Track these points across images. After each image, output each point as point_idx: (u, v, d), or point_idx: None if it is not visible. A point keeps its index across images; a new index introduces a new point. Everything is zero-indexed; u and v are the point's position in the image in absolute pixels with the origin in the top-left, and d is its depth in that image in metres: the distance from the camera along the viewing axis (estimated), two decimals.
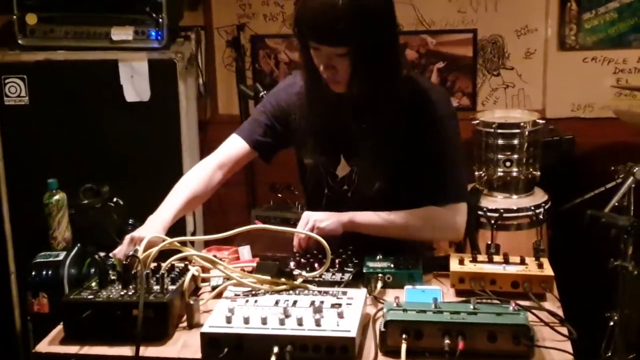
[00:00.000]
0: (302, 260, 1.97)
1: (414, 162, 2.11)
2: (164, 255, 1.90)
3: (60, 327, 1.74)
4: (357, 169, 2.18)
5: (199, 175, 2.20)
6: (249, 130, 2.26)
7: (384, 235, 2.09)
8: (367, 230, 2.09)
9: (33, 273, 2.69)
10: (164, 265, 1.84)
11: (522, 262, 1.91)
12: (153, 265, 1.85)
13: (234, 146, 2.25)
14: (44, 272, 2.68)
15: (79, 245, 2.84)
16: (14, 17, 3.34)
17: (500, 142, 3.41)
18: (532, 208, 3.35)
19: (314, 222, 2.06)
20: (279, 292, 1.80)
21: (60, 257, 2.72)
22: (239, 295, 1.78)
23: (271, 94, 2.33)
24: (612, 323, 2.86)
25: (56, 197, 2.83)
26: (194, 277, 1.87)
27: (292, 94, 2.22)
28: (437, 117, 2.10)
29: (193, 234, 3.52)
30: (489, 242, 3.19)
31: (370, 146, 2.11)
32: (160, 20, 3.35)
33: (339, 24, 1.88)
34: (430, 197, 2.11)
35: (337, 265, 1.95)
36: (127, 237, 1.97)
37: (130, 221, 2.88)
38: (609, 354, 2.89)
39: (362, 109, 2.07)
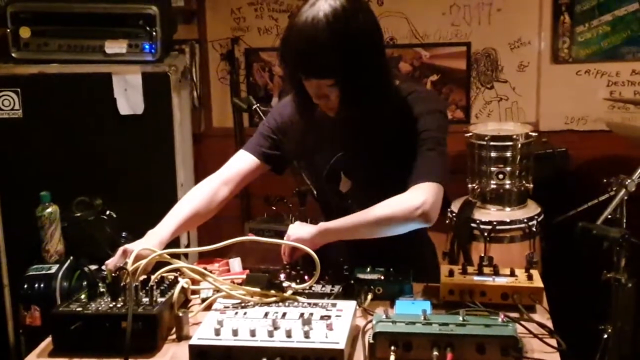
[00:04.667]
0: (292, 272, 1.97)
1: (403, 163, 2.08)
2: (158, 268, 1.90)
3: (49, 339, 1.74)
4: (357, 183, 2.18)
5: (202, 192, 2.19)
6: (255, 144, 2.25)
7: (361, 236, 2.04)
8: (341, 235, 2.05)
9: (25, 286, 2.69)
10: (153, 277, 1.84)
11: (512, 274, 1.91)
12: (143, 277, 1.85)
13: (240, 161, 2.24)
14: (36, 285, 2.68)
15: (71, 258, 2.84)
16: (8, 30, 3.35)
17: (493, 154, 3.42)
18: (525, 220, 3.35)
19: (288, 233, 2.06)
20: (268, 304, 1.80)
21: (53, 270, 2.72)
22: (228, 307, 1.78)
23: (274, 110, 2.32)
24: (605, 335, 2.86)
25: (49, 209, 2.83)
26: (183, 289, 1.86)
27: (294, 111, 2.19)
28: (417, 115, 2.06)
29: (187, 246, 3.52)
30: (482, 255, 3.20)
31: (368, 160, 2.12)
32: (154, 33, 3.35)
33: (323, 58, 1.87)
34: (407, 184, 2.01)
35: (327, 277, 1.95)
36: (120, 249, 1.98)
37: (124, 234, 2.88)
38: None
39: (355, 125, 2.07)
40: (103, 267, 1.96)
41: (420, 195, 1.94)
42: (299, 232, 2.05)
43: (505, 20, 3.87)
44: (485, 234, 3.31)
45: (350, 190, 2.20)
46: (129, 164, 3.40)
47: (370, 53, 1.95)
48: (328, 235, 2.04)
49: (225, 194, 2.21)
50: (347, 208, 2.18)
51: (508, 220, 3.35)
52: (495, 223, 3.32)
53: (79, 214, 3.03)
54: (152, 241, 2.01)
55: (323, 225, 2.05)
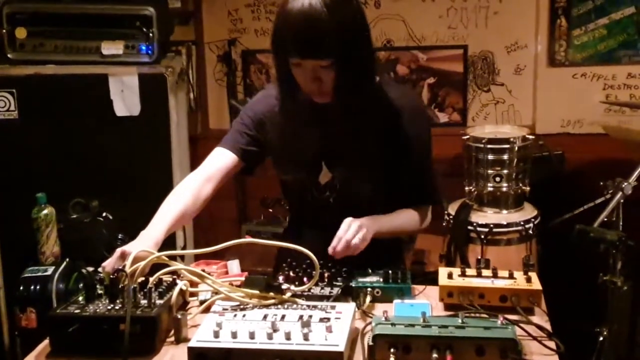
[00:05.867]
0: (291, 274, 1.97)
1: (392, 165, 2.18)
2: (155, 270, 1.89)
3: (46, 341, 1.73)
4: (338, 174, 2.20)
5: (188, 190, 2.19)
6: (232, 140, 2.27)
7: (389, 237, 2.21)
8: (383, 236, 2.14)
9: (21, 288, 2.67)
10: (151, 279, 1.83)
11: (511, 277, 1.91)
12: (141, 279, 1.84)
13: (220, 158, 2.26)
14: (32, 287, 2.66)
15: (67, 260, 2.82)
16: (4, 31, 3.33)
17: (490, 157, 3.42)
18: (522, 223, 3.35)
19: (364, 234, 2.01)
20: (267, 306, 1.79)
21: (49, 272, 2.70)
22: (227, 309, 1.78)
23: (248, 107, 2.35)
24: (601, 338, 2.86)
25: (45, 211, 2.81)
26: (181, 292, 1.86)
27: (269, 105, 2.25)
28: (413, 125, 2.17)
29: (183, 248, 3.51)
30: (479, 257, 3.20)
31: (352, 151, 2.16)
32: (151, 34, 3.34)
33: (324, 37, 1.92)
34: (413, 200, 2.25)
35: (326, 280, 1.94)
36: (118, 251, 1.96)
37: (120, 236, 2.86)
38: None
39: (341, 116, 2.12)
40: (99, 269, 1.95)
41: (429, 216, 2.30)
42: (370, 231, 2.05)
43: (502, 23, 3.88)
44: (482, 236, 3.31)
45: (330, 182, 2.22)
46: (125, 165, 3.39)
47: (363, 37, 2.04)
48: (377, 235, 2.10)
49: (208, 192, 2.22)
50: (325, 200, 2.22)
51: (505, 223, 3.35)
52: (492, 226, 3.32)
53: (75, 216, 3.01)
54: (148, 242, 2.00)
55: (379, 226, 2.10)
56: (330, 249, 1.97)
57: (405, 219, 2.24)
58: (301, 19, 1.92)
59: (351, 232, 2.00)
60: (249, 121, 2.27)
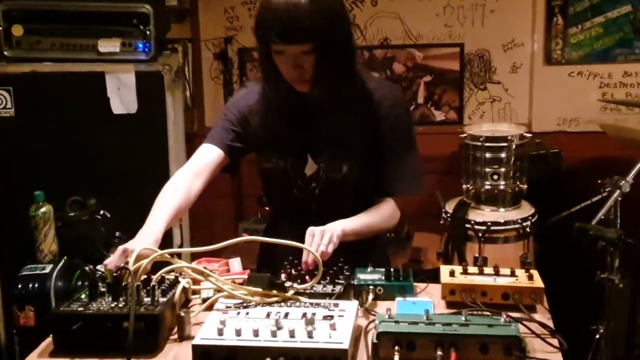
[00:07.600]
0: (294, 272, 1.97)
1: (375, 156, 2.21)
2: (157, 267, 1.89)
3: (49, 339, 1.73)
4: (324, 165, 2.22)
5: (180, 186, 2.20)
6: (218, 137, 2.28)
7: (360, 238, 2.17)
8: (351, 238, 2.11)
9: (19, 286, 2.66)
10: (154, 277, 1.83)
11: (513, 274, 1.91)
12: (143, 277, 1.84)
13: (207, 154, 2.27)
14: (30, 285, 2.65)
15: (65, 258, 2.81)
16: (0, 28, 3.32)
17: (487, 155, 3.43)
18: (519, 221, 3.36)
19: (330, 237, 2.01)
20: (270, 304, 1.79)
21: (47, 270, 2.69)
22: (230, 307, 1.78)
23: (230, 104, 2.37)
24: (598, 335, 2.87)
25: (42, 209, 2.80)
26: (184, 289, 1.86)
27: (250, 102, 2.28)
28: (393, 114, 2.21)
29: (180, 246, 3.50)
30: (477, 255, 3.21)
31: (335, 142, 2.17)
32: (148, 32, 3.33)
33: (305, 21, 1.97)
34: (388, 188, 2.25)
35: (328, 278, 1.94)
36: (120, 249, 1.95)
37: (117, 234, 2.86)
38: None
39: (324, 106, 2.15)
40: (99, 267, 1.95)
41: (398, 215, 2.27)
42: (337, 233, 2.03)
43: (499, 22, 3.89)
44: (480, 234, 3.31)
45: (315, 173, 2.24)
46: (122, 163, 3.38)
47: (343, 24, 2.10)
48: (344, 238, 2.07)
49: (199, 187, 2.23)
50: (310, 191, 2.24)
51: (502, 221, 3.36)
52: (489, 224, 3.33)
53: (72, 214, 3.01)
54: (149, 240, 2.00)
55: (343, 228, 2.07)
56: (303, 265, 1.97)
57: (373, 217, 2.22)
58: (282, 4, 1.98)
59: (317, 239, 2.00)
60: (233, 117, 2.29)
